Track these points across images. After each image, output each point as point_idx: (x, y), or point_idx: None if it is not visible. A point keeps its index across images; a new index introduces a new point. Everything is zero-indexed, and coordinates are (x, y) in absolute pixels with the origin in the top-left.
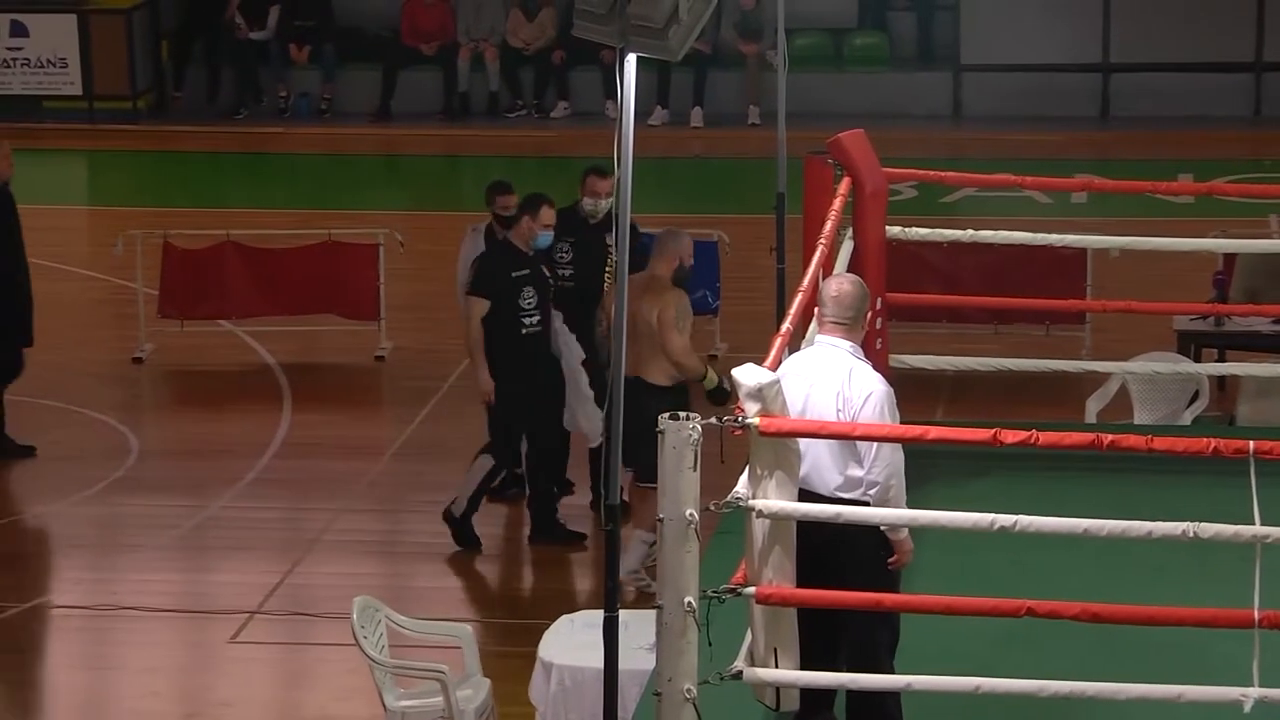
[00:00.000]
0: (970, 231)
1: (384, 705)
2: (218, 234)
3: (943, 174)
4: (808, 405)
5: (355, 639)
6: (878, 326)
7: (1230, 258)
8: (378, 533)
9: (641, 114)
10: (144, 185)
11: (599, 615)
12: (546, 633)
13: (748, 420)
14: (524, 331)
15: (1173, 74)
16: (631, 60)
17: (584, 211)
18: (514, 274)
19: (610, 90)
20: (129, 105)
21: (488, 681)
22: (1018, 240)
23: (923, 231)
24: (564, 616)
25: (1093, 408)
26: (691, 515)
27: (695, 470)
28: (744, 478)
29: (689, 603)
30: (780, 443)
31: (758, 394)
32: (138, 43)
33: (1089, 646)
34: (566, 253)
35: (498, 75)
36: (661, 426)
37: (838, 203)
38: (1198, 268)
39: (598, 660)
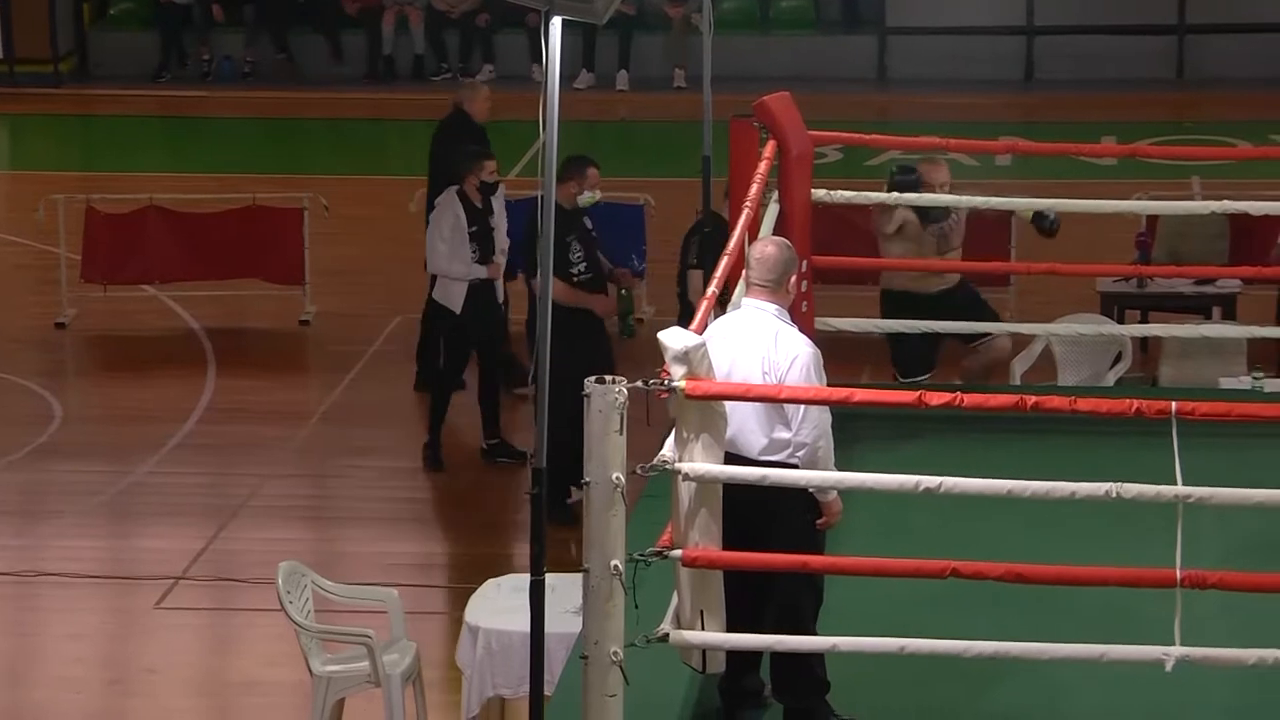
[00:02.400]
0: (895, 195)
1: (310, 670)
2: (141, 198)
3: (868, 137)
4: (734, 368)
5: (281, 604)
6: (803, 289)
7: (1153, 220)
8: (304, 498)
9: (567, 77)
10: (66, 149)
11: (525, 579)
12: (473, 597)
13: (673, 383)
14: (575, 281)
15: (1096, 36)
16: (557, 23)
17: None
18: (565, 238)
19: (536, 53)
20: (50, 69)
21: (414, 645)
22: (943, 203)
23: (848, 195)
24: (490, 580)
25: (1018, 369)
26: (618, 479)
27: (621, 434)
28: (670, 441)
29: (615, 566)
30: (706, 406)
31: (683, 357)
32: (59, 6)
33: (1015, 607)
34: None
35: (423, 38)
36: (588, 390)
37: (763, 166)
38: (1121, 229)
39: (524, 624)
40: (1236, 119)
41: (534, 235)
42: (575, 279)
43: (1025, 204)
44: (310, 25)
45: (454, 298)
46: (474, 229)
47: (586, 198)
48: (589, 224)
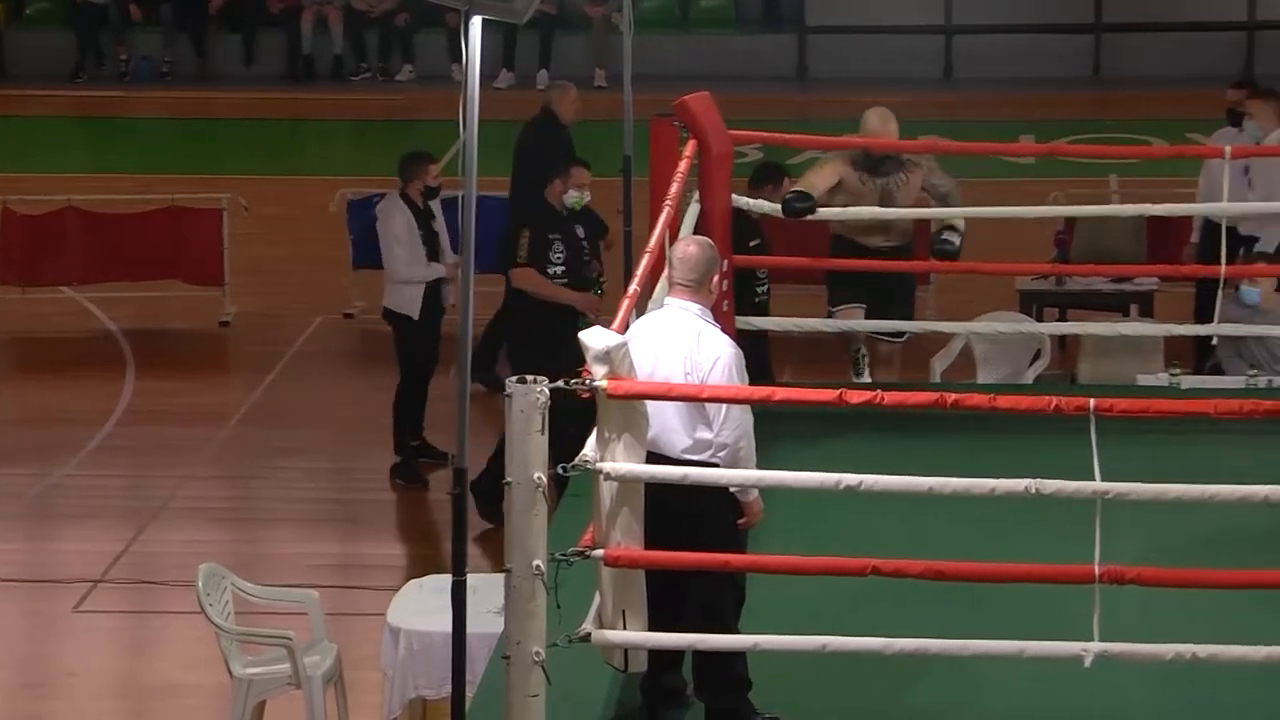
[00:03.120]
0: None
1: (230, 672)
2: (59, 199)
3: (788, 136)
4: (656, 368)
5: (201, 606)
6: (724, 288)
7: (1071, 218)
8: (224, 499)
9: (487, 77)
10: None
11: (447, 580)
12: (395, 598)
13: (595, 383)
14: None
15: (1014, 36)
16: (477, 23)
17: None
18: (549, 235)
19: (455, 53)
20: None
21: (335, 647)
22: (864, 216)
23: (767, 206)
24: (412, 581)
25: (937, 367)
26: (539, 478)
27: (543, 433)
28: (592, 440)
29: (537, 566)
30: (628, 405)
31: (605, 357)
32: None
33: (936, 605)
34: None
35: (342, 38)
36: (509, 390)
37: (684, 165)
38: (1040, 228)
39: (446, 624)
40: (1153, 117)
41: (511, 234)
42: (551, 279)
43: (943, 214)
44: (228, 25)
45: (411, 303)
46: (422, 232)
47: (573, 197)
48: (580, 231)
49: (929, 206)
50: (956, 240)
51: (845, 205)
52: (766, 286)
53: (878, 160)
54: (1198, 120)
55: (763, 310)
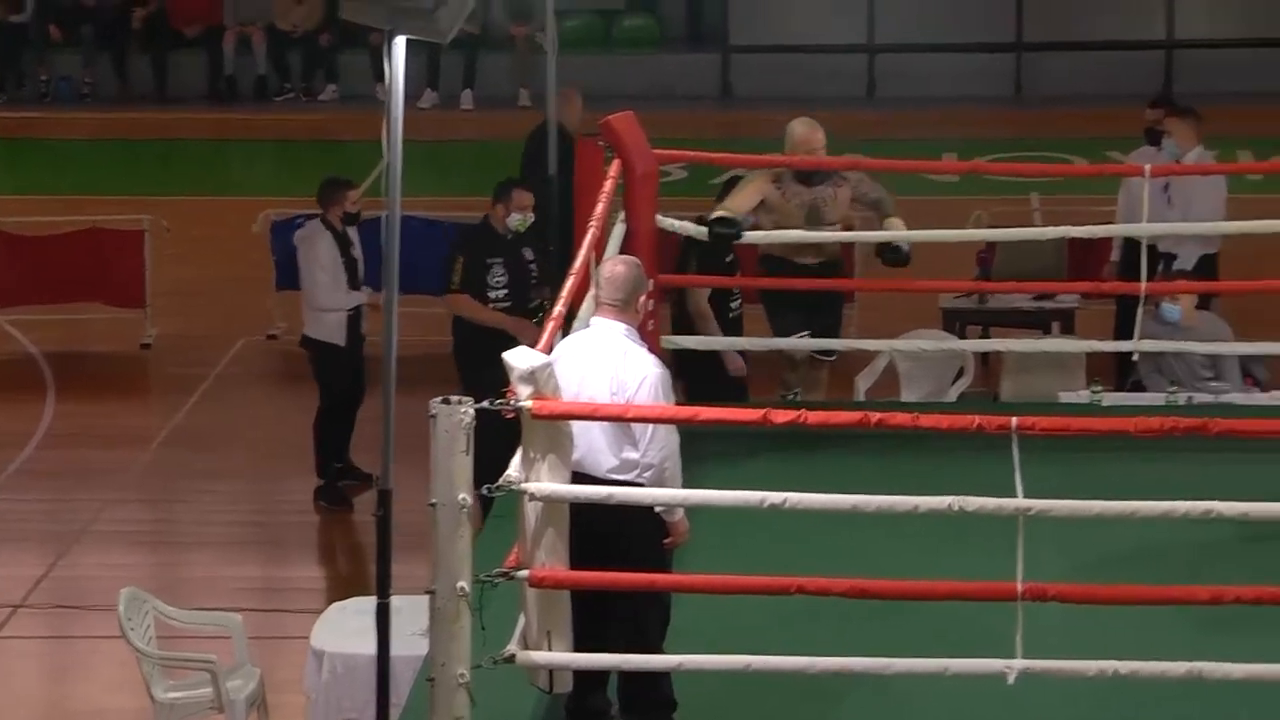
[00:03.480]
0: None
1: (152, 698)
2: None
3: (712, 155)
4: (582, 388)
5: (122, 631)
6: (650, 308)
7: None
8: (147, 523)
9: (411, 97)
10: None
11: (371, 602)
12: (318, 621)
13: (520, 403)
14: (490, 307)
15: (936, 55)
16: (400, 43)
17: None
18: (487, 260)
19: (379, 72)
20: None
21: (258, 671)
22: (791, 240)
23: (691, 228)
24: (335, 604)
25: (861, 385)
26: (464, 499)
27: (468, 454)
28: (517, 460)
29: (462, 587)
30: (553, 426)
31: (530, 377)
32: None
33: (861, 623)
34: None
35: (265, 58)
36: (433, 410)
37: (608, 185)
38: (963, 246)
39: (370, 647)
40: (1073, 136)
41: (452, 255)
42: (490, 303)
43: (871, 237)
44: (149, 46)
45: (336, 331)
46: (344, 259)
47: (516, 220)
48: (529, 254)
49: (860, 219)
50: (906, 246)
51: (773, 224)
52: (739, 303)
53: (807, 171)
54: (1117, 138)
55: (736, 327)
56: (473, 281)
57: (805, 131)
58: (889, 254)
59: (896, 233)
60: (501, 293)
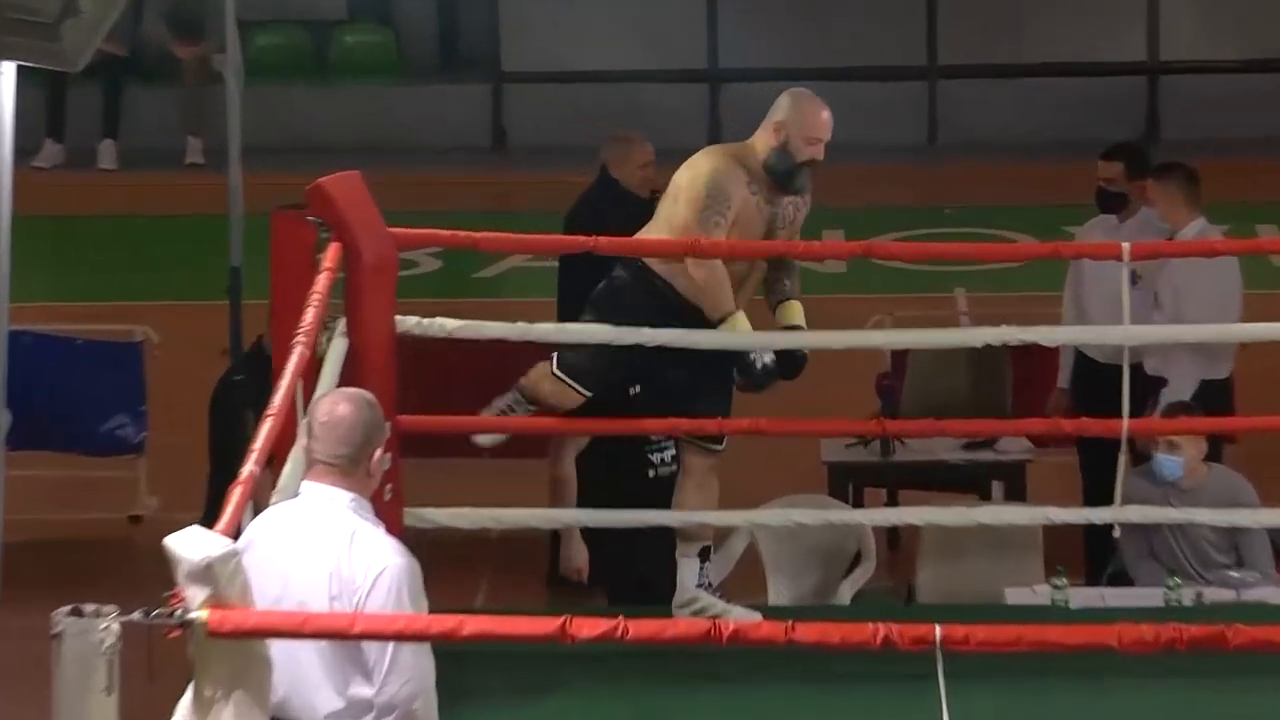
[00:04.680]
0: (523, 325)
1: None
2: None
3: (478, 236)
4: (286, 589)
5: None
6: (387, 466)
7: (900, 355)
8: None
9: (24, 152)
10: None
11: None
12: None
13: (190, 615)
14: None
15: (816, 83)
16: (9, 72)
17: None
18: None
19: None
20: None
21: None
22: (592, 338)
23: (451, 324)
24: None
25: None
26: None
27: (110, 694)
28: (186, 701)
29: None
30: (242, 647)
31: (206, 574)
32: None
33: None
34: None
35: None
36: (58, 626)
37: (323, 280)
38: (857, 370)
39: None
40: (1011, 200)
41: None
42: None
43: (742, 342)
44: None
45: None
46: None
47: None
48: None
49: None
50: (763, 358)
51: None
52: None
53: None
54: (1071, 205)
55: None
56: None
57: (824, 116)
58: (745, 372)
59: (736, 337)
60: None
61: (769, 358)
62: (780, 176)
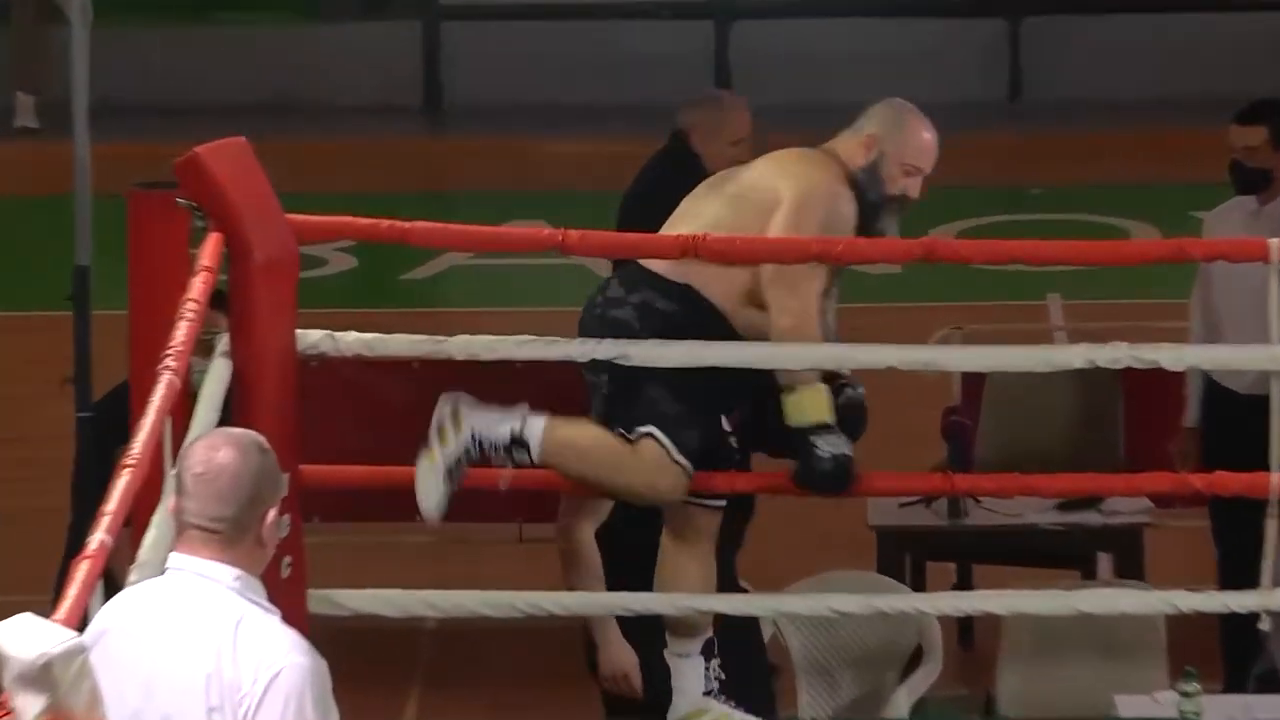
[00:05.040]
0: (464, 338)
1: None
2: None
3: (406, 226)
4: (150, 698)
5: None
6: (284, 533)
7: (974, 382)
8: None
9: None
10: None
11: None
12: None
13: None
14: None
15: (864, 19)
16: None
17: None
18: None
19: None
20: None
21: None
22: (553, 356)
23: (369, 340)
24: None
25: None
26: None
27: None
28: None
29: None
30: None
31: (43, 677)
32: None
33: None
34: None
35: None
36: None
37: (199, 284)
38: (915, 403)
39: None
40: (1113, 178)
41: None
42: None
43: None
44: None
45: None
46: None
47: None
48: None
49: None
50: (855, 386)
51: None
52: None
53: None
54: (1173, 185)
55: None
56: None
57: (930, 140)
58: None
59: (783, 350)
60: None
61: (842, 447)
62: (864, 206)
